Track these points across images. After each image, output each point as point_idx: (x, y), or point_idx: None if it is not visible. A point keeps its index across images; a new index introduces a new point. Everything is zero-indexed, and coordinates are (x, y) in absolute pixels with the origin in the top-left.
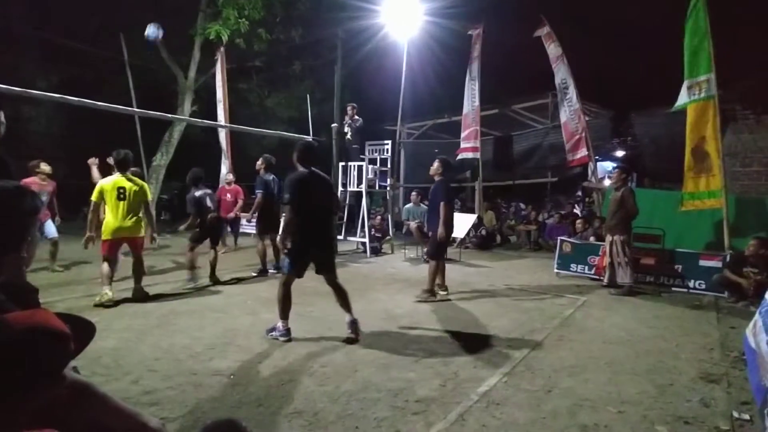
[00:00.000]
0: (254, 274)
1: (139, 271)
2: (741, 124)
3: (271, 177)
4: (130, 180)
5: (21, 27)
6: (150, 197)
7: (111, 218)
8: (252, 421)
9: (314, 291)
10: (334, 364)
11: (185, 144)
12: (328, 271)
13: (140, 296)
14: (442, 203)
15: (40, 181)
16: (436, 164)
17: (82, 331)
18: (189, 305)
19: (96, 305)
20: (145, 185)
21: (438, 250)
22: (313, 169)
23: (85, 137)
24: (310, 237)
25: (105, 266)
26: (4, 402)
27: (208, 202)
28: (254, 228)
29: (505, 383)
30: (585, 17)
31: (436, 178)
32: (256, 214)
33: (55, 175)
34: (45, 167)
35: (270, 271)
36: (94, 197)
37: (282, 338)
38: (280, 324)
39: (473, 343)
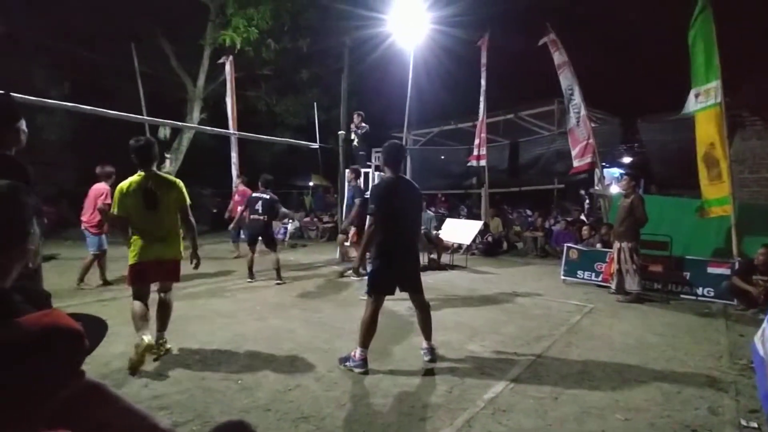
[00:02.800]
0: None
1: (164, 315)
2: (749, 131)
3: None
4: (160, 180)
5: (34, 37)
6: (188, 200)
7: (137, 235)
8: (259, 426)
9: (322, 296)
10: (340, 369)
11: (195, 151)
12: (413, 288)
13: (163, 352)
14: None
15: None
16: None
17: (94, 330)
18: (198, 310)
19: (132, 367)
20: (180, 183)
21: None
22: (400, 175)
23: (96, 145)
24: (397, 252)
25: (136, 305)
26: (23, 402)
27: (258, 206)
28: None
29: (511, 390)
30: (590, 23)
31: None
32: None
33: (64, 182)
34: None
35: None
36: (114, 209)
37: (357, 369)
38: (357, 352)
39: (480, 349)
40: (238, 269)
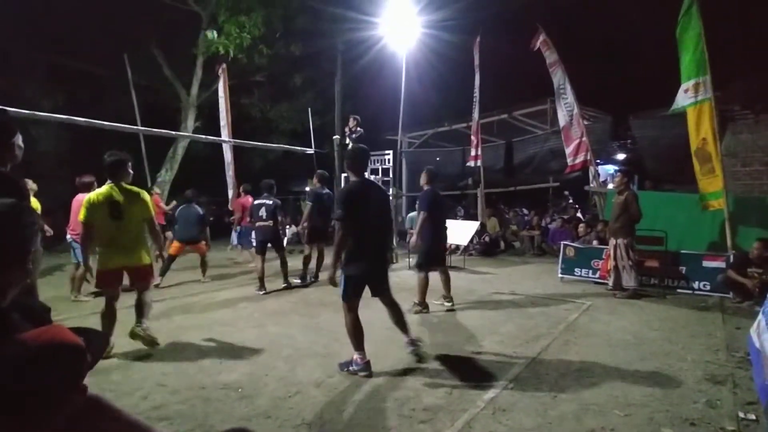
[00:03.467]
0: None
1: (141, 308)
2: (740, 124)
3: (324, 191)
4: (125, 191)
5: (25, 48)
6: (153, 212)
7: (103, 242)
8: None
9: (319, 302)
10: (340, 374)
11: (189, 159)
12: (384, 290)
13: (143, 340)
14: (420, 213)
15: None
16: (422, 175)
17: (96, 343)
18: (196, 319)
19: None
20: (145, 195)
21: (424, 261)
22: (366, 177)
23: (90, 156)
24: (366, 255)
25: (106, 308)
26: (27, 417)
27: (261, 212)
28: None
29: (511, 389)
30: (580, 22)
31: (424, 188)
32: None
33: (60, 194)
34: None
35: (295, 280)
36: (81, 217)
37: (361, 373)
38: (356, 356)
39: (479, 349)
40: (235, 277)
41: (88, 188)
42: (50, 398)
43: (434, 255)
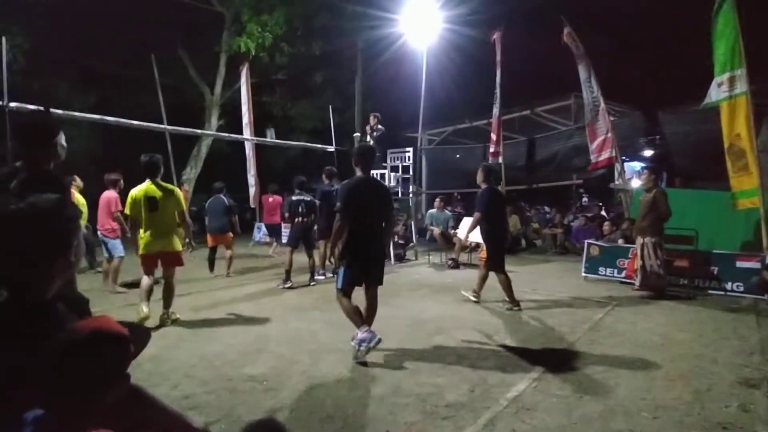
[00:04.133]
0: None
1: (168, 296)
2: None
3: (333, 187)
4: (161, 188)
5: (57, 52)
6: (185, 205)
7: (143, 232)
8: (286, 426)
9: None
10: (362, 369)
11: (212, 157)
12: (375, 283)
13: (167, 324)
14: (476, 212)
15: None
16: (478, 172)
17: (139, 337)
18: (221, 314)
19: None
20: (177, 191)
21: (495, 262)
22: (370, 175)
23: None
24: (365, 248)
25: (144, 280)
26: (76, 401)
27: (301, 209)
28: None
29: (534, 388)
30: (607, 15)
31: (481, 186)
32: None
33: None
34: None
35: (317, 277)
36: (127, 210)
37: (374, 341)
38: (360, 333)
39: (501, 348)
40: (257, 272)
41: (114, 185)
42: (98, 385)
43: (501, 255)
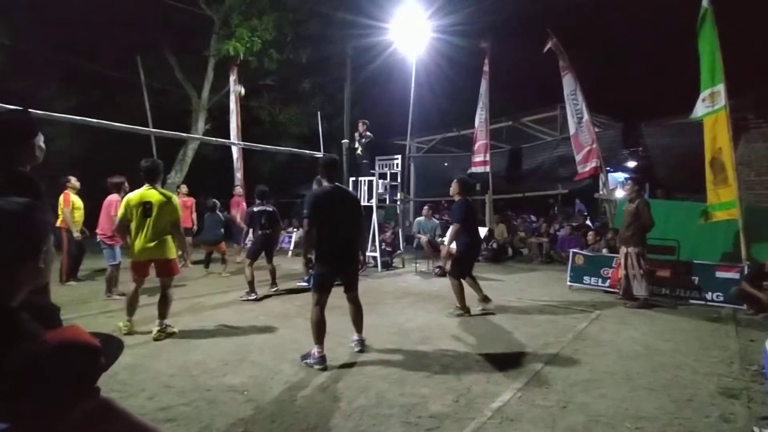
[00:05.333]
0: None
1: (164, 307)
2: (754, 133)
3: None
4: (158, 193)
5: (40, 51)
6: (180, 214)
7: (135, 237)
8: None
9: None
10: (346, 379)
11: (198, 162)
12: (351, 287)
13: (164, 336)
14: (453, 224)
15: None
16: (453, 184)
17: (111, 348)
18: (202, 322)
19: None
20: (175, 199)
21: (456, 269)
22: (337, 184)
23: (103, 157)
24: (334, 254)
25: (131, 290)
26: (41, 416)
27: (263, 219)
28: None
29: (519, 399)
30: (592, 28)
31: (456, 198)
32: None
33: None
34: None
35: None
36: (120, 214)
37: (317, 366)
38: (315, 350)
39: (486, 357)
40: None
41: (117, 188)
42: (63, 399)
43: (468, 263)
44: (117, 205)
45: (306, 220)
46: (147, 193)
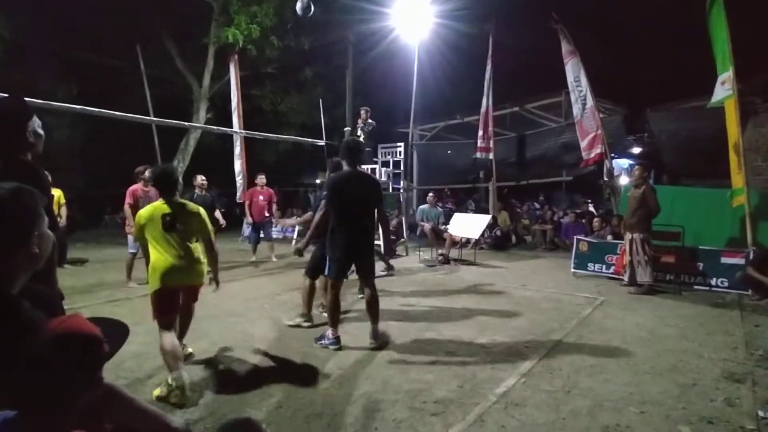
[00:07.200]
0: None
1: (185, 326)
2: (762, 118)
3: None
4: (181, 206)
5: (40, 39)
6: (212, 231)
7: (158, 257)
8: (272, 423)
9: None
10: (351, 366)
11: (201, 151)
12: (366, 274)
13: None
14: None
15: (143, 186)
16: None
17: (115, 334)
18: (208, 310)
19: (162, 398)
20: (203, 213)
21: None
22: (357, 168)
23: (104, 146)
24: (351, 239)
25: (167, 339)
26: (46, 404)
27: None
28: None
29: (523, 384)
30: (596, 12)
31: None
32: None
33: (75, 185)
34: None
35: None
36: (134, 232)
37: (332, 346)
38: (329, 332)
39: (490, 343)
40: (244, 268)
41: (138, 177)
42: (67, 389)
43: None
44: (129, 194)
45: (325, 203)
46: (163, 206)
